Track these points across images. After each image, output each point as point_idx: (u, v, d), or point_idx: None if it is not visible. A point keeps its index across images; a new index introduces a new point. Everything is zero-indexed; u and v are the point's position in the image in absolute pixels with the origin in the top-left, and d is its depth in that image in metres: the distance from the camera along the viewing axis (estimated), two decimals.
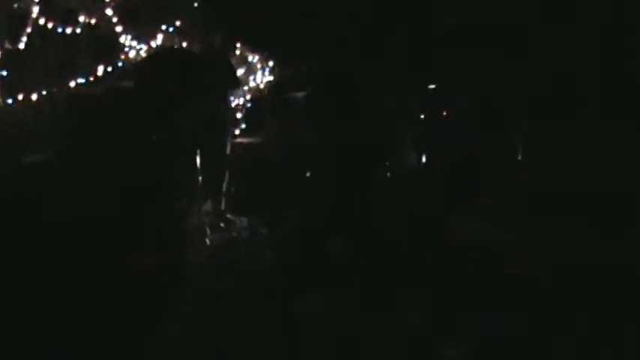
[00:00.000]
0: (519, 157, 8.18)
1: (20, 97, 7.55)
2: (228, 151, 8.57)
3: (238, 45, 9.13)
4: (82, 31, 8.18)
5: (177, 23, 8.82)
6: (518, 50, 8.11)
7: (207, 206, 8.37)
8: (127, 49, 8.47)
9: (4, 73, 7.58)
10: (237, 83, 8.74)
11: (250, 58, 9.33)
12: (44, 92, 7.69)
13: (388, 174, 8.45)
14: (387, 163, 8.46)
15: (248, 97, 9.25)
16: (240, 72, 9.03)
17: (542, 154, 7.99)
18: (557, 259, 6.34)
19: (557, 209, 7.09)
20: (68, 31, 8.08)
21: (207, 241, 7.88)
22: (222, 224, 8.29)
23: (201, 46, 8.67)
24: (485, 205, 7.38)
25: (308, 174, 8.15)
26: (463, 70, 8.30)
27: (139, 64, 8.48)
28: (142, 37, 8.62)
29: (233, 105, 8.94)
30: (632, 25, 7.85)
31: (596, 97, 7.82)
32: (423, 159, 8.66)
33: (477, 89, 8.34)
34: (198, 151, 8.11)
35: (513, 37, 8.15)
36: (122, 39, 8.44)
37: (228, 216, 8.42)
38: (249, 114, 9.16)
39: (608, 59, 7.90)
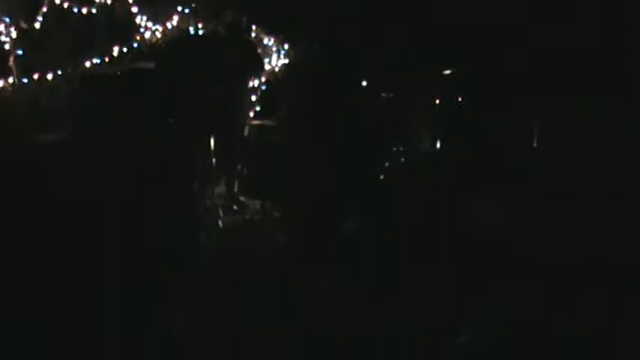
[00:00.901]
0: (535, 144, 8.15)
1: (36, 76, 7.57)
2: (245, 133, 8.56)
3: (254, 27, 9.08)
4: (97, 11, 8.16)
5: (193, 5, 8.77)
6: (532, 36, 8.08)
7: (221, 189, 8.37)
8: (142, 30, 8.44)
9: (20, 52, 7.60)
10: (261, 65, 8.74)
11: (266, 41, 9.28)
12: (59, 72, 7.70)
13: (402, 159, 8.41)
14: (401, 148, 8.43)
15: (263, 79, 9.20)
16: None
17: (558, 141, 7.95)
18: (572, 246, 6.32)
19: (571, 195, 7.07)
20: (84, 11, 8.06)
21: (220, 223, 7.89)
22: (235, 207, 8.29)
23: (222, 27, 8.64)
24: (500, 190, 7.35)
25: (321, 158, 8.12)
26: (478, 55, 8.25)
27: (160, 46, 8.47)
28: (158, 17, 8.59)
29: (249, 87, 8.91)
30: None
31: (613, 85, 7.78)
32: (438, 144, 8.62)
33: (491, 74, 8.29)
34: (213, 133, 8.09)
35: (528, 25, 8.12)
36: (138, 19, 8.41)
37: (241, 198, 8.42)
38: (263, 96, 9.13)
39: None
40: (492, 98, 8.31)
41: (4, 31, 7.54)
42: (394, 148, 8.42)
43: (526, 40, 8.09)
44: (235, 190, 8.47)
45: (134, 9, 8.40)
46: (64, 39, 7.92)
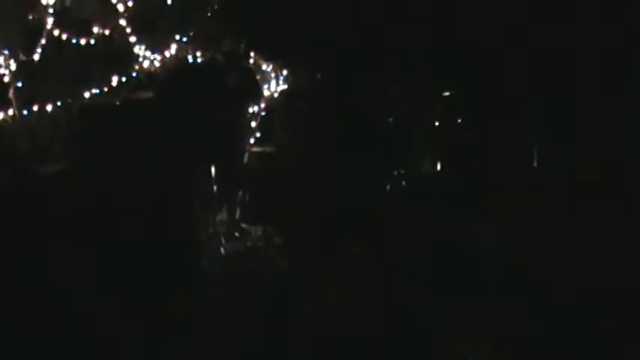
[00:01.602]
0: (535, 164, 8.15)
1: (35, 107, 7.60)
2: (245, 160, 8.57)
3: (252, 54, 9.13)
4: (96, 41, 8.20)
5: (191, 33, 8.82)
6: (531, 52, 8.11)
7: (222, 215, 8.37)
8: (141, 59, 8.48)
9: (20, 84, 7.63)
10: (259, 92, 8.78)
11: (264, 67, 9.33)
12: (59, 103, 7.73)
13: (403, 182, 8.41)
14: (402, 171, 8.43)
15: (262, 105, 9.24)
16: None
17: (558, 161, 7.95)
18: (574, 265, 6.31)
19: (574, 214, 7.06)
20: (82, 42, 8.11)
21: (222, 250, 7.88)
22: (236, 233, 8.29)
23: (221, 55, 8.68)
24: (501, 210, 7.34)
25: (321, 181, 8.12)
26: (477, 74, 8.28)
27: (159, 75, 8.50)
28: (156, 47, 8.63)
29: (248, 114, 8.94)
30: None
31: (612, 103, 7.79)
32: (438, 166, 8.63)
33: (491, 94, 8.31)
34: (214, 161, 8.10)
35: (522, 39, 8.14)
36: (136, 49, 8.45)
37: (243, 225, 8.41)
38: (263, 123, 9.16)
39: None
40: (492, 118, 8.32)
41: (3, 64, 7.57)
42: (395, 172, 8.43)
43: (525, 59, 8.11)
44: (237, 216, 8.47)
45: (132, 39, 8.44)
46: (63, 70, 7.96)
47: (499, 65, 8.12)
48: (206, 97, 8.05)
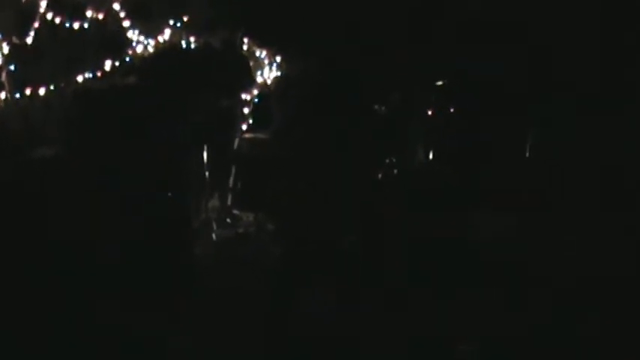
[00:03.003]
0: (527, 154, 8.17)
1: (28, 91, 7.57)
2: (235, 146, 8.56)
3: (246, 40, 9.10)
4: (89, 26, 8.16)
5: (185, 18, 8.78)
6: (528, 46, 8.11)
7: (214, 202, 8.37)
8: (134, 44, 8.45)
9: (12, 67, 7.59)
10: (251, 80, 8.75)
11: (258, 53, 9.30)
12: (52, 86, 7.70)
13: (395, 170, 8.43)
14: (394, 160, 8.44)
15: (255, 92, 9.22)
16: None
17: (551, 151, 7.97)
18: (572, 261, 6.34)
19: (564, 206, 7.09)
20: (76, 26, 8.07)
21: (214, 236, 7.89)
22: (228, 220, 8.29)
23: (214, 41, 8.66)
24: (492, 201, 7.37)
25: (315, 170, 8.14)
26: (471, 65, 8.28)
27: (148, 61, 8.47)
28: (150, 32, 8.60)
29: (242, 100, 8.92)
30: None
31: (612, 95, 7.81)
32: (430, 155, 8.64)
33: (485, 85, 8.32)
34: (205, 147, 8.10)
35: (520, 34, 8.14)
36: (129, 34, 8.41)
37: (235, 212, 8.42)
38: (256, 109, 9.14)
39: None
40: (485, 109, 8.33)
41: None
42: (387, 160, 8.44)
43: (520, 50, 8.11)
44: (229, 203, 8.48)
45: (126, 23, 8.40)
46: (57, 54, 7.92)
47: (496, 55, 8.12)
48: (196, 82, 8.03)
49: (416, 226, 7.06)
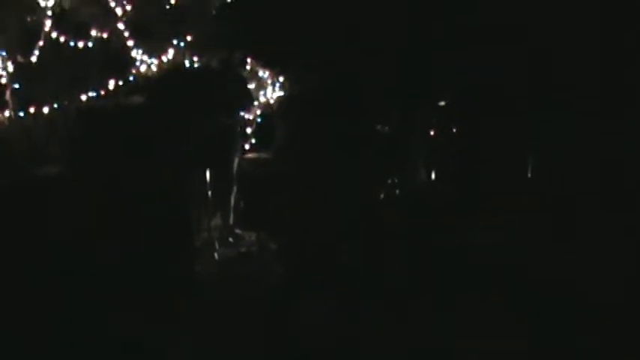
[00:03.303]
0: (529, 174, 8.20)
1: (32, 109, 7.60)
2: (235, 165, 8.58)
3: (249, 60, 9.15)
4: (93, 45, 8.20)
5: (189, 38, 8.84)
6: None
7: (217, 221, 8.38)
8: (138, 63, 8.50)
9: (17, 85, 7.63)
10: (251, 100, 8.79)
11: (261, 73, 9.35)
12: (55, 105, 7.73)
13: (397, 190, 8.45)
14: (396, 180, 8.46)
15: (258, 112, 9.26)
16: (250, 87, 9.05)
17: (552, 169, 8.00)
18: (568, 271, 6.35)
19: (567, 223, 7.10)
20: (80, 44, 8.11)
21: (216, 255, 7.89)
22: (230, 239, 8.30)
23: (216, 61, 8.70)
24: (495, 218, 7.39)
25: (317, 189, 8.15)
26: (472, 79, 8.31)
27: (151, 80, 8.51)
28: (153, 51, 8.65)
29: (244, 120, 8.95)
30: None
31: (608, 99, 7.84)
32: (432, 175, 8.67)
33: (486, 99, 8.36)
34: (208, 166, 8.12)
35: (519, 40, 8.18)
36: (133, 53, 8.46)
37: (237, 231, 8.43)
38: (259, 129, 9.18)
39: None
40: (487, 129, 8.37)
41: (1, 65, 7.58)
42: (389, 180, 8.46)
43: (524, 68, 8.15)
44: (231, 222, 8.49)
45: (130, 42, 8.46)
46: (61, 72, 7.96)
47: (497, 75, 8.16)
48: (198, 102, 8.06)
49: (416, 242, 7.08)
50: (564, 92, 7.93)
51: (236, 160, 8.57)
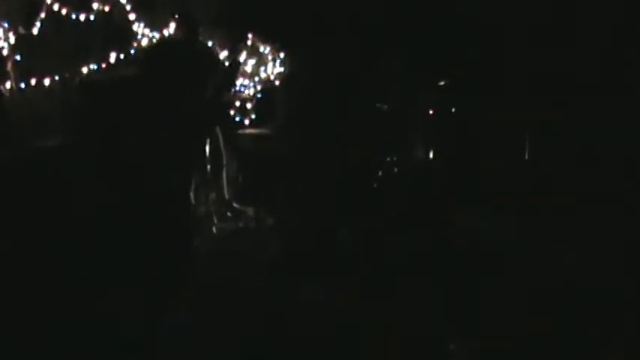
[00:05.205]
0: (526, 157, 8.23)
1: (33, 81, 7.62)
2: (237, 141, 8.60)
3: (250, 35, 9.15)
4: (95, 17, 8.20)
5: (187, 12, 8.80)
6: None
7: (214, 195, 8.42)
8: (139, 37, 8.49)
9: (18, 57, 7.63)
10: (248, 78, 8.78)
11: (262, 49, 9.35)
12: (57, 77, 7.75)
13: (395, 169, 8.48)
14: (395, 158, 8.49)
15: (259, 87, 9.28)
16: (251, 62, 9.06)
17: (549, 154, 8.03)
18: (560, 258, 6.39)
19: (562, 208, 7.14)
20: (82, 17, 8.11)
21: (214, 229, 7.95)
22: (229, 213, 8.35)
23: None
24: (492, 201, 7.42)
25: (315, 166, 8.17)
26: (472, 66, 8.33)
27: (145, 53, 8.50)
28: (155, 25, 8.64)
29: (243, 95, 8.97)
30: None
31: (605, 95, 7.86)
32: (430, 154, 8.70)
33: (485, 86, 8.37)
34: (207, 141, 8.14)
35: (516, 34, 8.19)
36: (135, 27, 8.46)
37: (235, 205, 8.47)
38: (259, 105, 9.20)
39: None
40: (486, 109, 8.39)
41: (2, 36, 7.57)
42: (387, 158, 8.49)
43: (523, 50, 8.16)
44: (227, 197, 8.53)
45: (132, 16, 8.45)
46: (62, 45, 7.96)
47: (499, 55, 8.17)
48: (195, 76, 8.05)
49: (413, 223, 7.12)
50: (564, 85, 7.95)
51: (238, 136, 8.57)
